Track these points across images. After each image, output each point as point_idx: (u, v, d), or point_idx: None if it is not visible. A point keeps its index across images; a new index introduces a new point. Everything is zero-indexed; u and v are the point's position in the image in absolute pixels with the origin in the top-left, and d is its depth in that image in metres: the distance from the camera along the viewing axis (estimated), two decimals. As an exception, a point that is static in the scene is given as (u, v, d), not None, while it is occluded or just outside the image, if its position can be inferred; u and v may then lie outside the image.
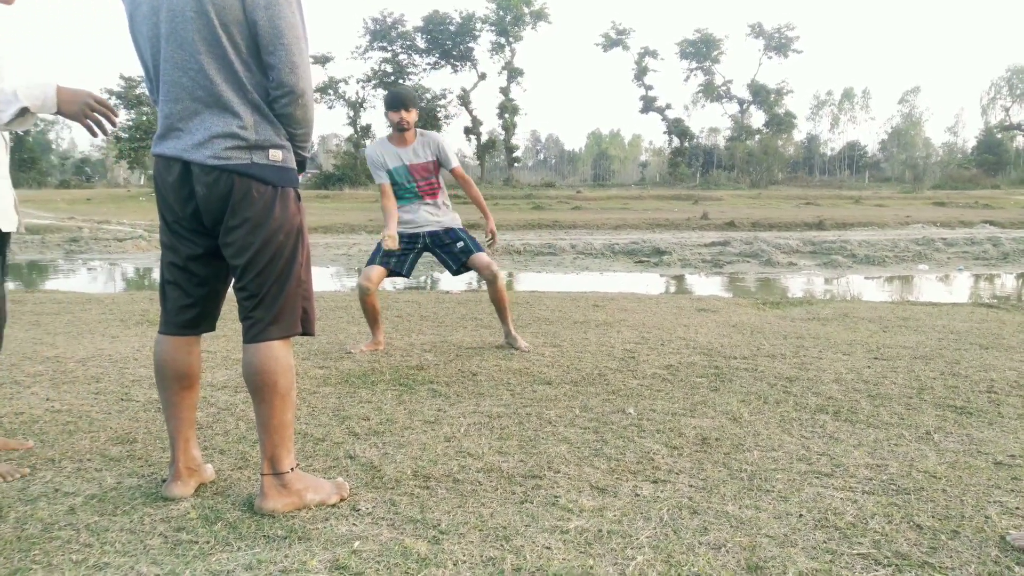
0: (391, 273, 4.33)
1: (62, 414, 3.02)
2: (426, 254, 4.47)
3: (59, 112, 2.09)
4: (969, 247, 15.09)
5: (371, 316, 4.36)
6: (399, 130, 4.27)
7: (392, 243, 4.12)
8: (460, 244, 4.36)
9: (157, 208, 2.15)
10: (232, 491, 2.23)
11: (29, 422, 2.91)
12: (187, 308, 2.15)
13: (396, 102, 4.20)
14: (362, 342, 4.48)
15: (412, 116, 4.25)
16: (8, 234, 2.43)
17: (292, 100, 2.01)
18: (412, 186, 4.34)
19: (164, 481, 2.22)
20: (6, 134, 2.38)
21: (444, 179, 4.48)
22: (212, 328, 2.25)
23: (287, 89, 1.99)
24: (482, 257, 4.34)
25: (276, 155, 2.03)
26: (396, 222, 4.26)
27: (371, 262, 4.36)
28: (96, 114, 2.11)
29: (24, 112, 2.08)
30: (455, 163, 4.40)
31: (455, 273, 4.41)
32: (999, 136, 68.68)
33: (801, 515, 2.08)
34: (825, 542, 1.92)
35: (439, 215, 4.40)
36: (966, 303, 7.32)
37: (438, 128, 58.81)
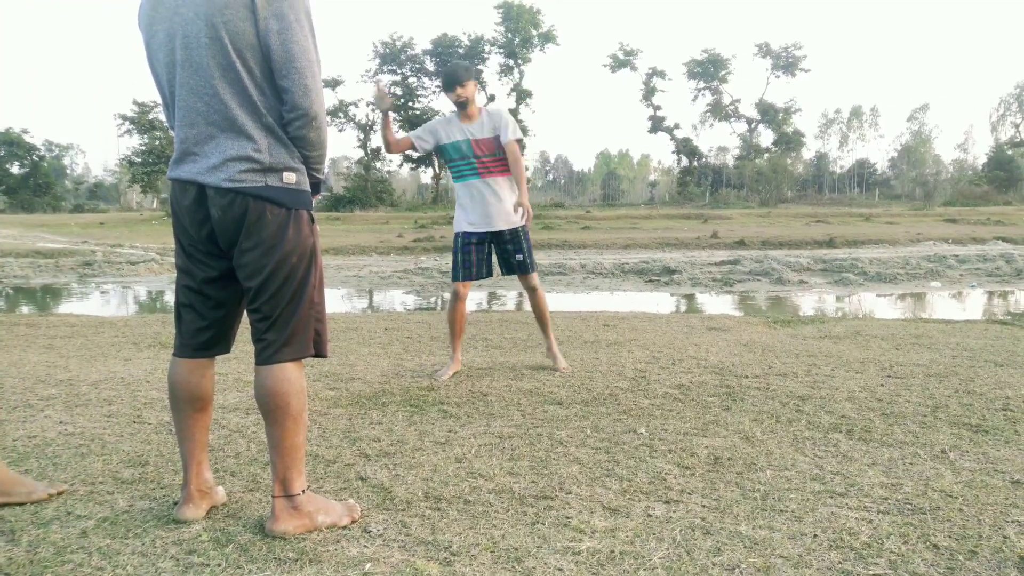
0: (475, 277, 4.36)
1: (75, 437, 3.03)
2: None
3: None
4: (981, 264, 14.98)
5: (457, 329, 4.39)
6: (460, 107, 4.20)
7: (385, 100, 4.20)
8: (519, 257, 4.34)
9: (173, 232, 2.17)
10: (243, 513, 2.23)
11: (42, 445, 2.92)
12: (202, 331, 2.17)
13: (448, 82, 4.12)
14: (445, 368, 4.37)
15: (469, 90, 4.14)
16: None
17: (306, 123, 2.04)
18: (473, 163, 4.24)
19: (176, 503, 2.22)
20: None
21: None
22: (227, 351, 2.26)
23: (301, 112, 2.02)
24: (532, 278, 4.39)
25: (290, 178, 2.06)
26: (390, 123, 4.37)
27: (455, 278, 4.38)
28: None
29: None
30: (511, 136, 4.21)
31: (505, 274, 4.44)
32: (1009, 152, 68.38)
33: (815, 535, 2.06)
34: (840, 563, 1.90)
35: (505, 206, 4.27)
36: (980, 320, 7.27)
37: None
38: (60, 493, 2.37)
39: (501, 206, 4.26)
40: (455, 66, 4.18)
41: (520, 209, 4.20)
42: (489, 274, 4.39)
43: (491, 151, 4.23)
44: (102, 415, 3.38)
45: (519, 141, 4.24)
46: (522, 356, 4.89)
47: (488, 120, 4.24)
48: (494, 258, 4.43)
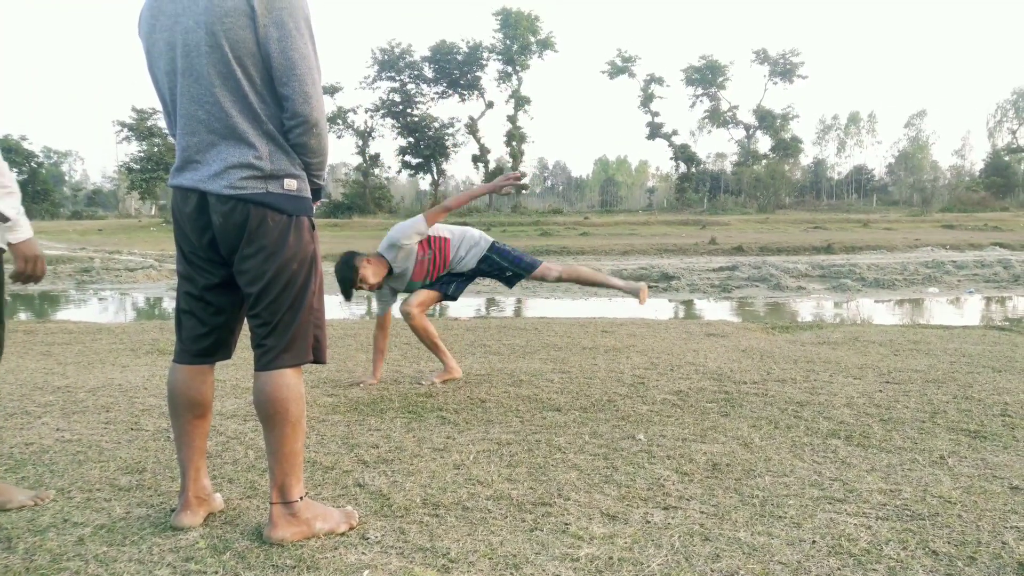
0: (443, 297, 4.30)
1: (72, 444, 3.03)
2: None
3: (14, 244, 2.27)
4: (979, 269, 15.01)
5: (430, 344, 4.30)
6: (373, 289, 4.07)
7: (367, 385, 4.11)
8: (509, 275, 4.28)
9: (174, 239, 2.17)
10: (241, 520, 2.22)
11: (39, 452, 2.91)
12: (202, 337, 2.17)
13: (344, 293, 3.96)
14: (435, 374, 4.35)
15: (364, 279, 3.94)
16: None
17: (306, 130, 2.04)
18: (427, 281, 4.20)
19: (173, 510, 2.22)
20: None
21: (436, 245, 4.19)
22: (227, 357, 2.26)
23: (301, 119, 2.02)
24: (540, 270, 4.29)
25: (291, 184, 2.06)
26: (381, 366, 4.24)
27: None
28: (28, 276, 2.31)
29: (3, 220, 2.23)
30: (417, 228, 4.02)
31: (510, 286, 4.37)
32: (1007, 159, 68.55)
33: (814, 541, 2.05)
34: (839, 569, 1.89)
35: (461, 269, 4.25)
36: (977, 326, 7.28)
37: (446, 156, 59.31)
38: (42, 501, 2.35)
39: (460, 271, 4.26)
40: (339, 272, 3.93)
41: (458, 259, 4.20)
42: (456, 296, 4.37)
43: (426, 264, 4.13)
44: (99, 422, 3.38)
45: (420, 231, 4.04)
46: (520, 362, 4.88)
47: (405, 261, 4.08)
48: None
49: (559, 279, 4.31)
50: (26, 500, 2.34)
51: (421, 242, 4.09)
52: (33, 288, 14.07)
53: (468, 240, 4.26)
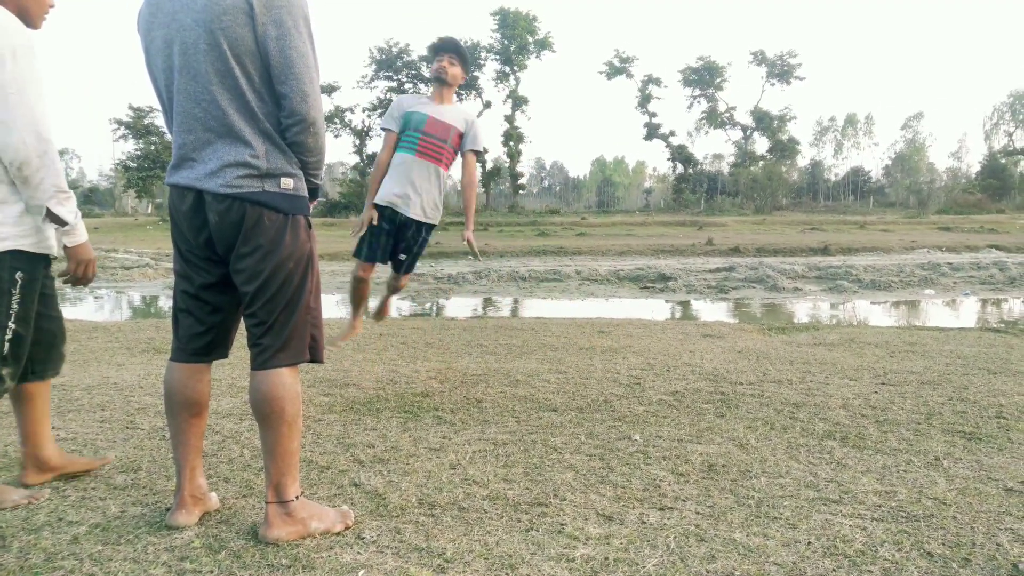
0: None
1: (67, 442, 3.02)
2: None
3: (70, 247, 2.34)
4: (975, 271, 15.04)
5: (359, 302, 4.15)
6: (438, 81, 3.84)
7: (371, 223, 3.84)
8: (404, 257, 3.99)
9: (171, 237, 2.17)
10: (236, 520, 2.22)
11: (35, 450, 2.90)
12: (199, 336, 2.17)
13: (445, 46, 3.78)
14: (343, 332, 4.25)
15: (457, 71, 3.84)
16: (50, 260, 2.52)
17: (303, 128, 2.04)
18: (416, 137, 3.84)
19: (169, 509, 2.21)
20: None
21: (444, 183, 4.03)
22: (224, 356, 2.26)
23: (299, 118, 2.02)
24: (403, 281, 4.19)
25: (287, 183, 2.06)
26: (376, 193, 3.88)
27: (359, 256, 3.98)
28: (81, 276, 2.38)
29: (56, 221, 2.26)
30: (473, 146, 3.90)
31: (381, 261, 4.00)
32: (1003, 161, 68.76)
33: (810, 543, 2.06)
34: (834, 570, 1.90)
35: (424, 199, 3.89)
36: (973, 328, 7.29)
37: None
38: (36, 500, 2.35)
39: (419, 197, 3.88)
40: (458, 42, 3.87)
41: (433, 206, 3.92)
42: (385, 260, 4.04)
43: (442, 138, 3.85)
44: (95, 420, 3.37)
45: (478, 154, 3.99)
46: (517, 362, 4.88)
47: (458, 115, 3.91)
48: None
49: (396, 291, 4.28)
50: (20, 499, 2.33)
51: (456, 140, 3.90)
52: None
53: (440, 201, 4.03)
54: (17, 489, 2.40)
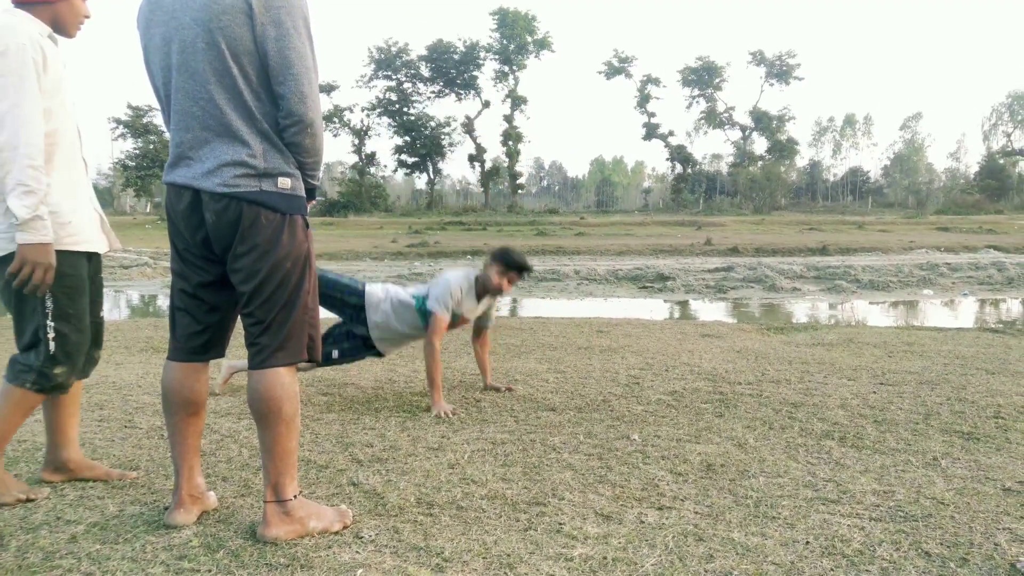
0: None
1: (66, 441, 3.01)
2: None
3: (19, 244, 2.16)
4: (974, 272, 15.06)
5: None
6: (496, 292, 3.79)
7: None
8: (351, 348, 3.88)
9: (168, 236, 2.17)
10: (235, 519, 2.22)
11: (32, 449, 2.90)
12: (196, 335, 2.17)
13: (527, 268, 3.75)
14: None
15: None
16: (99, 257, 2.50)
17: (301, 129, 2.04)
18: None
19: (167, 508, 2.21)
20: (87, 157, 2.51)
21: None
22: (221, 355, 2.26)
23: (296, 118, 2.02)
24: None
25: (285, 183, 2.05)
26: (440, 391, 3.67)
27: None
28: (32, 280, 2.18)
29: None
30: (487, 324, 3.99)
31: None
32: (1001, 162, 68.82)
33: (808, 542, 2.06)
34: (832, 570, 1.90)
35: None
36: (971, 328, 7.30)
37: (442, 155, 59.32)
38: (35, 497, 2.36)
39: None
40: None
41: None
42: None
43: (459, 325, 3.90)
44: (93, 419, 3.36)
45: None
46: (515, 362, 4.88)
47: (488, 306, 3.93)
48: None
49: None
50: (19, 495, 2.33)
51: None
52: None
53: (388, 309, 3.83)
54: (19, 483, 2.40)
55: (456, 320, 3.81)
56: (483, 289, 3.79)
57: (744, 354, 5.17)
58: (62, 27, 2.38)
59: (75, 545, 2.02)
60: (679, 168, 64.55)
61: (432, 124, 58.79)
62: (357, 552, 1.99)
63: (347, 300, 3.77)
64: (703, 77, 64.37)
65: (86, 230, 2.38)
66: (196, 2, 1.96)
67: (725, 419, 3.40)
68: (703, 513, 2.27)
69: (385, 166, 62.28)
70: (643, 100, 62.33)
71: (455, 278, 3.78)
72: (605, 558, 1.95)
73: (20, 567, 1.89)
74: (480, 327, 4.05)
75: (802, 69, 67.66)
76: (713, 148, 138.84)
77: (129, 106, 51.31)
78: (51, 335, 2.28)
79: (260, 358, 2.06)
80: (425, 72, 58.72)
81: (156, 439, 3.05)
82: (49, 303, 2.27)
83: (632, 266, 16.51)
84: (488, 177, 59.31)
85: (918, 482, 2.56)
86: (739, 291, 12.95)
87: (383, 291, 3.83)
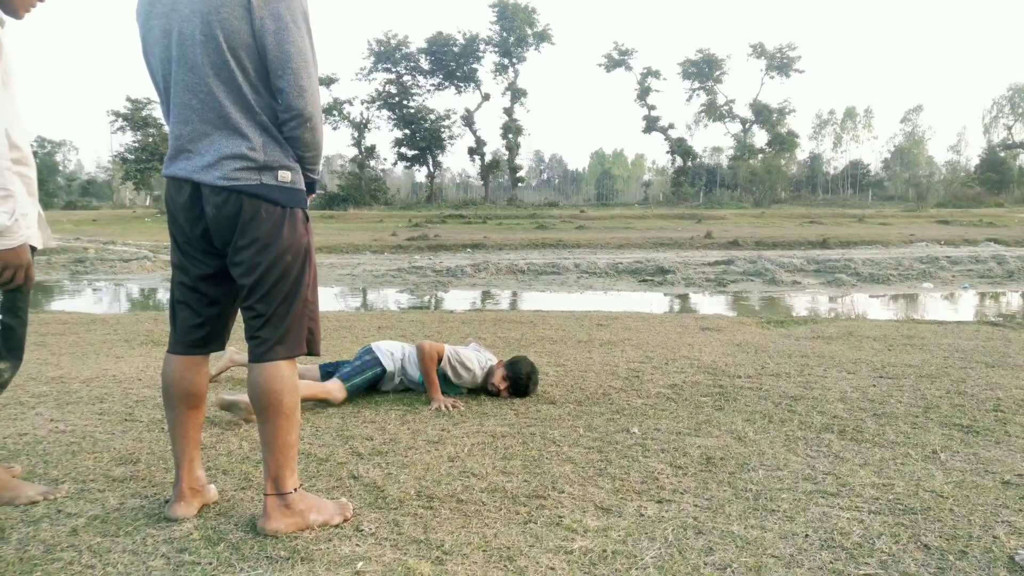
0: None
1: (66, 435, 3.02)
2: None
3: (2, 255, 2.10)
4: (974, 265, 15.05)
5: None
6: (493, 391, 3.77)
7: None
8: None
9: (168, 229, 2.16)
10: (235, 512, 2.22)
11: (33, 443, 2.91)
12: (197, 328, 2.17)
13: (523, 390, 3.72)
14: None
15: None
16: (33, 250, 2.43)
17: (300, 123, 2.03)
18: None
19: (167, 501, 2.22)
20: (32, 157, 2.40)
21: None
22: (221, 348, 2.26)
23: (295, 112, 2.01)
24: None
25: (285, 176, 2.05)
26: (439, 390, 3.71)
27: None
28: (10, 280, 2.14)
29: None
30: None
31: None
32: (1002, 155, 68.65)
33: (807, 535, 2.06)
34: (831, 562, 1.90)
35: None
36: (971, 321, 7.30)
37: (442, 148, 59.21)
38: (52, 496, 2.34)
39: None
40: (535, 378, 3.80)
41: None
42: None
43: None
44: (93, 413, 3.37)
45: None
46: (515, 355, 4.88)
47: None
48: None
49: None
50: (35, 495, 2.31)
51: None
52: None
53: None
54: (33, 484, 2.39)
55: (444, 381, 3.74)
56: (485, 380, 3.81)
57: (744, 347, 5.17)
58: (10, 7, 2.21)
59: (76, 538, 2.03)
60: (679, 161, 64.41)
61: (432, 117, 58.62)
62: (357, 545, 1.99)
63: (369, 372, 3.75)
64: (703, 70, 64.15)
65: (33, 224, 2.29)
66: None
67: (725, 412, 3.40)
68: (703, 506, 2.28)
69: (385, 159, 62.33)
70: (643, 93, 62.14)
71: (480, 355, 3.85)
72: (605, 551, 1.96)
73: (21, 560, 1.90)
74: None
75: (803, 62, 67.36)
76: (713, 141, 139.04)
77: (128, 99, 51.06)
78: None
79: (260, 351, 2.06)
80: (425, 65, 58.51)
81: (156, 432, 3.06)
82: (1, 296, 2.18)
83: (632, 259, 16.50)
84: (488, 170, 59.22)
85: (917, 475, 2.56)
86: (739, 284, 12.95)
87: (400, 350, 3.85)
